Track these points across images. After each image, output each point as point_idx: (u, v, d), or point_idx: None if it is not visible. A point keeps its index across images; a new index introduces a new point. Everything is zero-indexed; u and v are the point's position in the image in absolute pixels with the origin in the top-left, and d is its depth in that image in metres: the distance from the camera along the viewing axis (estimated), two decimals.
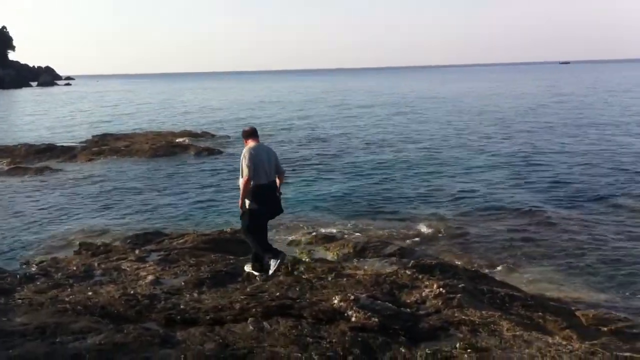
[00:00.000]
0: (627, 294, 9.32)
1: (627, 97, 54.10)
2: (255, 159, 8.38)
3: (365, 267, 9.88)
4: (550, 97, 58.54)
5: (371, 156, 24.10)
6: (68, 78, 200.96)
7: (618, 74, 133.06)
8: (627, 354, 6.01)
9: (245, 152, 8.45)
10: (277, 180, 8.82)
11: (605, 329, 7.70)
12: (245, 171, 8.34)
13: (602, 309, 8.54)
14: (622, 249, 11.30)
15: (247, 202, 8.49)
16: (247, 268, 8.94)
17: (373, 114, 44.46)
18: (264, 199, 8.50)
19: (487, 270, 10.16)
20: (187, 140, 28.43)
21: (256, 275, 8.68)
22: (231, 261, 9.29)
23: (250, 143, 8.65)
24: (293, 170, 21.09)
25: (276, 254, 8.76)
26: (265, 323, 6.51)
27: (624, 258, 10.82)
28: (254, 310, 6.91)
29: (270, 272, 8.62)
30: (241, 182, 8.45)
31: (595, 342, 6.87)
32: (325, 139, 30.22)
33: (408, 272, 8.82)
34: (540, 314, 7.66)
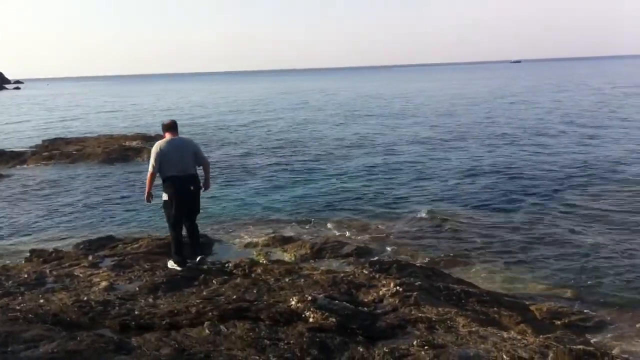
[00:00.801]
0: (579, 287, 9.48)
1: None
2: (161, 154, 8.73)
3: (323, 267, 9.90)
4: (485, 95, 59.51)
5: (327, 157, 24.13)
6: (17, 82, 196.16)
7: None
8: (580, 346, 6.12)
9: (153, 148, 8.89)
10: (205, 173, 9.34)
11: (559, 322, 7.85)
12: (149, 166, 8.79)
13: (555, 303, 8.68)
14: (573, 244, 11.51)
15: (164, 194, 8.89)
16: (170, 264, 9.11)
17: (325, 115, 44.49)
18: (174, 190, 8.83)
19: (443, 268, 10.23)
20: (139, 143, 28.00)
21: (179, 269, 8.94)
22: (187, 265, 9.17)
23: (167, 136, 9.01)
24: (248, 171, 21.04)
25: (182, 263, 9.03)
26: (222, 326, 6.46)
27: (575, 253, 11.03)
28: (210, 313, 6.86)
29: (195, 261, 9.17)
30: (148, 175, 8.88)
31: (549, 335, 7.00)
32: (280, 140, 30.16)
33: (365, 271, 8.88)
34: (495, 309, 7.77)
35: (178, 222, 9.13)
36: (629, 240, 11.53)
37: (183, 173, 8.84)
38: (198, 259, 9.28)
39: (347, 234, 12.71)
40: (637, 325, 7.93)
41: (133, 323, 6.69)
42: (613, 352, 6.88)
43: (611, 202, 14.54)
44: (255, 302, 7.27)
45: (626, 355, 6.95)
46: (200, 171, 9.36)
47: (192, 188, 9.01)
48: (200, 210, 9.70)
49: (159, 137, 30.78)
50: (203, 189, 9.38)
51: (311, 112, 48.82)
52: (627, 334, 7.72)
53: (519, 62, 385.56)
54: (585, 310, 8.46)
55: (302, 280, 8.40)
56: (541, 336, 6.75)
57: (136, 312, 7.02)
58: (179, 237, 9.17)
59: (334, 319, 6.55)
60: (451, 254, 11.26)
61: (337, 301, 7.16)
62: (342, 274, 8.72)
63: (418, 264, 9.89)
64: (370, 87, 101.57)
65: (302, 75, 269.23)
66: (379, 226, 13.30)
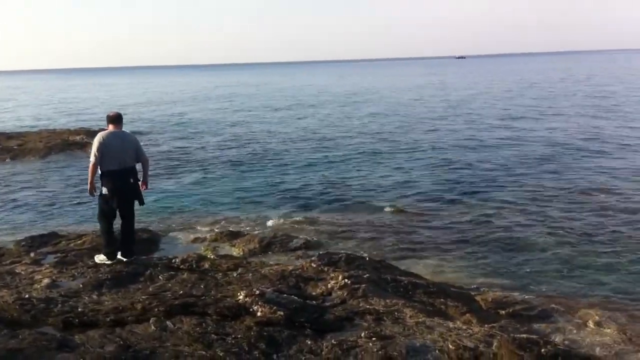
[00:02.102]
0: (523, 278, 9.70)
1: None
2: (103, 145, 8.56)
3: (272, 261, 9.87)
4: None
5: (275, 150, 24.08)
6: None
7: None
8: (524, 335, 6.24)
9: (95, 139, 8.70)
10: (143, 169, 9.15)
11: (503, 312, 8.00)
12: (91, 157, 8.61)
13: (500, 293, 8.85)
14: (518, 236, 11.75)
15: (103, 188, 8.70)
16: (98, 258, 9.00)
17: (268, 109, 44.38)
18: (114, 184, 8.66)
19: (391, 261, 10.31)
20: (83, 138, 27.37)
21: (108, 263, 8.86)
22: (132, 260, 9.01)
23: (111, 128, 8.86)
24: (194, 166, 20.84)
25: (112, 256, 8.95)
26: (168, 322, 6.37)
27: (519, 245, 11.27)
28: (156, 309, 6.74)
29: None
30: (89, 167, 8.69)
31: (494, 324, 7.13)
32: (225, 134, 29.98)
33: (314, 264, 8.87)
34: (441, 300, 7.88)
35: (113, 216, 8.95)
36: (570, 233, 11.82)
37: (123, 166, 8.67)
38: (131, 259, 9.09)
39: (297, 227, 12.69)
40: (579, 314, 8.12)
41: (76, 320, 6.53)
42: (555, 340, 7.06)
43: (553, 196, 14.89)
44: (203, 297, 7.19)
45: (568, 343, 7.13)
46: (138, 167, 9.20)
47: (131, 181, 8.85)
48: (145, 204, 9.54)
49: (102, 131, 30.41)
50: (142, 187, 9.20)
51: (254, 106, 48.59)
52: (568, 323, 7.91)
53: (463, 57, 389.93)
54: (529, 300, 8.63)
55: (250, 274, 8.35)
56: (486, 325, 6.87)
57: (79, 309, 6.85)
58: (111, 229, 8.98)
59: (282, 313, 6.52)
60: (400, 247, 11.36)
61: (285, 295, 7.14)
62: (290, 268, 8.69)
63: (367, 257, 9.92)
64: (311, 81, 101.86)
65: (242, 70, 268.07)
66: (329, 220, 13.32)
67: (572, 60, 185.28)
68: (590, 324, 7.80)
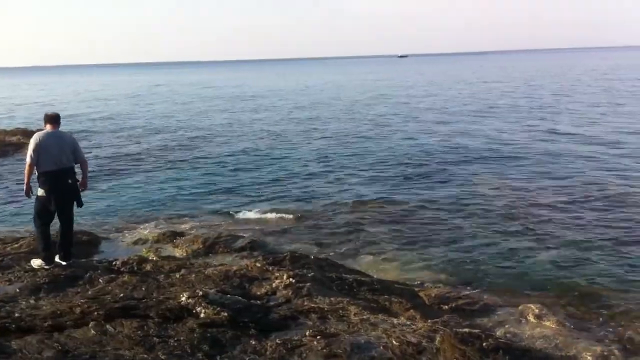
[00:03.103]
0: (466, 273, 9.86)
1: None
2: (40, 145, 8.33)
3: (215, 262, 9.76)
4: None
5: (215, 149, 23.92)
6: None
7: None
8: (466, 329, 6.32)
9: (31, 139, 8.47)
10: (82, 169, 8.93)
11: (446, 307, 8.12)
12: (27, 157, 8.37)
13: (443, 288, 8.97)
14: (461, 232, 11.95)
15: (39, 190, 8.48)
16: (35, 263, 8.76)
17: (208, 106, 44.00)
18: (51, 186, 8.45)
19: (336, 259, 10.33)
20: (20, 139, 26.54)
21: (45, 267, 8.60)
22: (71, 263, 8.77)
23: (48, 128, 8.65)
24: (135, 166, 20.50)
25: (49, 260, 8.70)
26: (108, 326, 6.21)
27: (462, 241, 11.45)
28: (96, 313, 6.56)
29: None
30: (25, 167, 8.44)
31: (437, 320, 7.22)
32: (166, 133, 29.65)
33: (258, 264, 8.82)
34: (386, 296, 7.94)
35: (50, 218, 8.70)
36: (511, 228, 12.09)
37: (60, 167, 8.42)
38: (69, 263, 8.84)
39: (241, 227, 12.60)
40: (519, 307, 8.29)
41: (13, 326, 6.29)
42: (497, 333, 7.19)
43: (493, 191, 15.20)
44: (144, 300, 7.04)
45: (509, 336, 7.27)
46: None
47: (69, 182, 8.60)
48: (84, 206, 9.29)
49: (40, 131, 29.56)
50: (81, 188, 8.96)
51: (193, 105, 48.06)
52: (509, 316, 8.07)
53: (405, 56, 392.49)
54: (471, 295, 8.78)
55: (194, 275, 8.22)
56: (429, 321, 6.95)
57: (16, 315, 6.61)
58: (48, 231, 8.72)
59: (225, 314, 6.44)
60: (344, 245, 11.41)
61: (229, 295, 7.06)
62: (235, 268, 8.60)
63: (311, 256, 9.91)
64: (242, 80, 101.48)
65: (184, 68, 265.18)
66: (274, 219, 13.27)
67: (505, 60, 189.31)
68: (531, 318, 7.98)
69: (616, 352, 6.97)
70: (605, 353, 6.91)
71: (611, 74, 72.32)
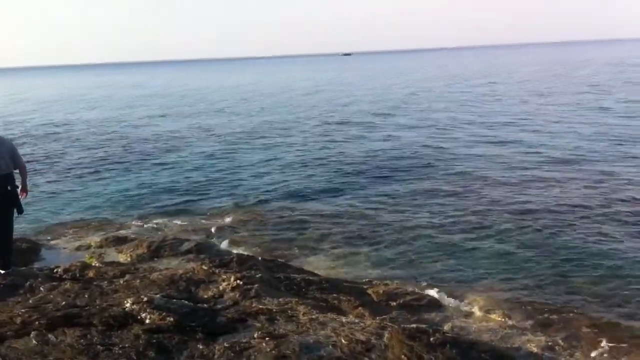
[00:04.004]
0: (413, 269, 9.97)
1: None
2: None
3: (161, 266, 9.59)
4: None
5: (162, 150, 23.60)
6: None
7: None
8: (414, 325, 6.35)
9: None
10: (22, 177, 8.68)
11: (395, 303, 8.18)
12: None
13: (391, 284, 9.03)
14: (406, 228, 12.05)
15: None
16: None
17: (146, 111, 43.35)
18: None
19: (284, 259, 10.31)
20: None
21: None
22: (10, 272, 8.49)
23: None
24: (75, 170, 20.03)
25: (4, 266, 8.46)
26: (50, 335, 6.02)
27: (408, 236, 11.55)
28: (37, 323, 6.35)
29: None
30: None
31: (385, 316, 7.27)
32: (104, 136, 29.09)
33: (205, 267, 8.70)
34: (334, 295, 7.95)
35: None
36: (456, 223, 12.26)
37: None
38: (8, 271, 8.54)
39: (187, 230, 12.44)
40: (466, 301, 8.44)
41: None
42: (444, 328, 7.28)
43: (439, 188, 15.38)
44: (87, 307, 6.85)
45: (456, 330, 7.38)
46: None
47: (9, 188, 8.32)
48: (24, 212, 9.00)
49: None
50: (22, 194, 8.68)
51: (129, 108, 47.20)
52: (457, 310, 8.23)
53: (349, 54, 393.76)
54: (418, 290, 8.88)
55: (138, 281, 8.05)
56: (377, 318, 6.98)
57: None
58: None
59: (171, 319, 6.31)
60: (293, 244, 11.38)
61: (175, 300, 6.92)
62: (181, 272, 8.46)
63: (259, 257, 9.85)
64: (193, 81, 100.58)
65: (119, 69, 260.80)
66: (220, 220, 13.15)
67: (446, 57, 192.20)
68: (477, 311, 8.12)
69: (560, 342, 7.16)
70: (550, 343, 7.09)
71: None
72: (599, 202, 13.16)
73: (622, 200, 13.12)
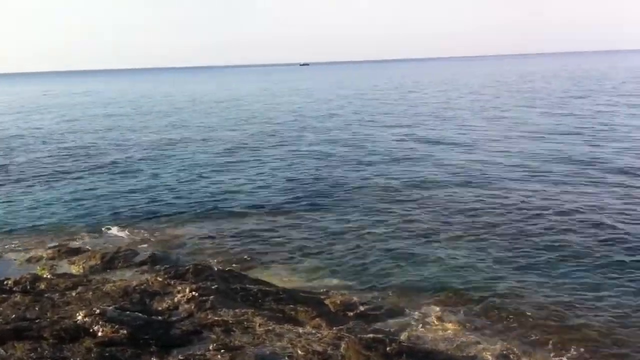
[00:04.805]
0: (370, 279, 9.95)
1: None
2: None
3: (115, 278, 9.41)
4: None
5: (116, 159, 23.18)
6: None
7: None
8: (371, 335, 6.37)
9: None
10: None
11: (352, 313, 8.17)
12: None
13: (349, 295, 9.01)
14: (364, 240, 12.05)
15: None
16: None
17: (95, 119, 42.65)
18: None
19: (241, 270, 10.19)
20: None
21: None
22: None
23: None
24: (27, 179, 19.51)
25: None
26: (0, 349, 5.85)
27: (364, 246, 11.56)
28: None
29: None
30: None
31: (342, 327, 7.25)
32: (54, 146, 28.39)
33: (160, 278, 8.58)
34: (291, 306, 7.90)
35: None
36: (412, 233, 12.31)
37: None
38: None
39: (142, 240, 12.22)
40: (422, 310, 8.48)
41: None
42: (401, 337, 7.30)
43: (395, 197, 15.44)
44: (38, 320, 6.69)
45: (413, 339, 7.40)
46: None
47: None
48: None
49: None
50: None
51: (81, 116, 46.36)
52: (413, 319, 8.24)
53: (307, 64, 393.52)
54: (376, 300, 8.88)
55: (91, 293, 7.90)
56: (334, 328, 6.97)
57: None
58: None
59: (125, 331, 6.21)
60: (250, 255, 11.27)
61: (128, 312, 6.81)
62: (135, 283, 8.32)
63: (215, 267, 9.74)
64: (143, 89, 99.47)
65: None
66: (176, 230, 12.96)
67: (389, 68, 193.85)
68: (434, 320, 8.17)
69: (515, 349, 7.25)
70: (504, 352, 7.17)
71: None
72: (554, 209, 13.41)
73: (578, 211, 13.34)
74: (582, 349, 7.29)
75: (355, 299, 8.78)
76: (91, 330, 6.35)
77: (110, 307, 6.93)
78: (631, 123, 27.80)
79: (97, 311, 6.70)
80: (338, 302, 8.51)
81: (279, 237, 12.37)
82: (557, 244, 11.24)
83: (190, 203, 15.61)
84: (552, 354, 7.20)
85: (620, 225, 12.15)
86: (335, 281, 9.95)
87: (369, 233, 12.41)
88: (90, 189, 17.64)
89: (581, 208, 13.53)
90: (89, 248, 11.52)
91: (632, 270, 9.84)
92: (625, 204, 13.73)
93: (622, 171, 17.20)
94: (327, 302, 8.52)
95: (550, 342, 7.49)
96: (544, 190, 15.36)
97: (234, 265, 10.62)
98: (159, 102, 62.02)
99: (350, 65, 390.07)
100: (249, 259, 11.12)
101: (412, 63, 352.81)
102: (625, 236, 11.52)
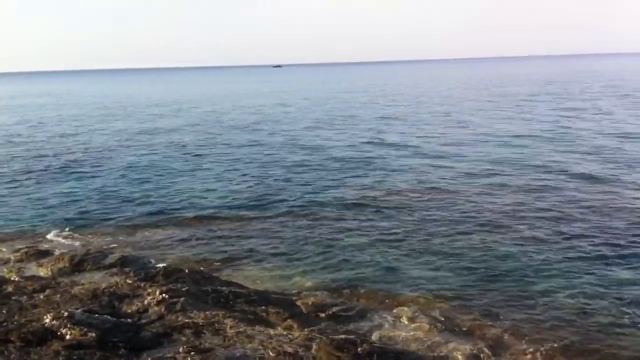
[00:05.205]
0: (342, 280, 9.94)
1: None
2: None
3: (83, 280, 9.28)
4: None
5: (85, 160, 22.92)
6: None
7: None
8: (342, 336, 6.38)
9: None
10: None
11: (324, 314, 8.15)
12: None
13: (320, 296, 8.99)
14: (336, 241, 12.04)
15: None
16: None
17: (63, 117, 42.10)
18: None
19: (213, 272, 10.12)
20: None
21: None
22: None
23: None
24: None
25: None
26: None
27: (336, 247, 11.56)
28: None
29: None
30: None
31: (313, 328, 7.23)
32: (26, 146, 27.94)
33: (129, 280, 8.49)
34: (263, 307, 7.87)
35: None
36: (384, 235, 12.33)
37: None
38: None
39: (112, 243, 12.07)
40: (394, 311, 8.50)
41: None
42: (372, 338, 7.31)
43: (366, 199, 15.46)
44: (4, 323, 6.58)
45: (384, 339, 7.42)
46: None
47: None
48: None
49: None
50: None
51: (45, 117, 45.68)
52: (385, 320, 8.25)
53: (279, 66, 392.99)
54: (347, 301, 8.88)
55: (59, 295, 7.79)
56: (306, 329, 6.95)
57: None
58: None
59: (93, 334, 6.13)
60: (221, 257, 11.20)
61: (97, 315, 6.73)
62: (104, 286, 8.23)
63: (186, 269, 9.65)
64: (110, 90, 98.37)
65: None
66: (147, 232, 12.82)
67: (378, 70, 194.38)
68: (405, 320, 8.19)
69: (485, 349, 7.30)
70: (474, 352, 7.22)
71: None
72: (522, 213, 13.55)
73: (545, 217, 13.47)
74: (552, 348, 7.36)
75: (327, 300, 8.77)
76: (59, 333, 6.27)
77: (79, 310, 6.84)
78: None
79: (65, 314, 6.62)
80: (310, 303, 8.49)
81: (250, 239, 12.31)
82: (525, 246, 11.34)
83: (161, 205, 15.45)
84: (522, 354, 7.27)
85: (583, 225, 12.34)
86: (307, 283, 9.92)
87: (340, 235, 12.40)
88: (59, 191, 17.36)
89: (544, 209, 13.73)
90: (58, 250, 11.34)
91: (598, 270, 9.98)
92: (582, 207, 13.93)
93: (582, 176, 17.35)
94: (299, 303, 8.49)
95: (522, 341, 7.57)
96: (513, 194, 15.51)
97: (205, 267, 10.54)
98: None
99: (323, 67, 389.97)
100: (220, 261, 11.04)
101: (390, 65, 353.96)
102: (589, 234, 11.73)
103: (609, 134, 25.55)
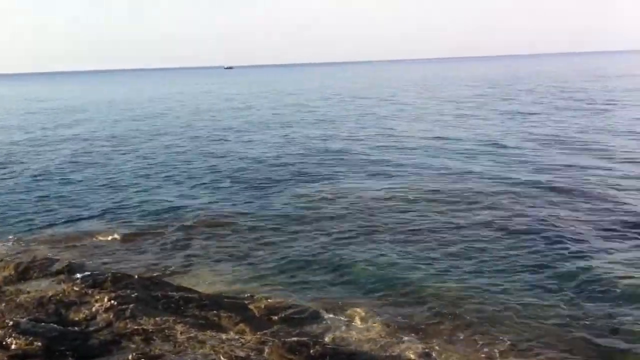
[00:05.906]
0: (295, 282, 9.94)
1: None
2: None
3: (29, 288, 9.02)
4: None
5: (28, 164, 22.38)
6: None
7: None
8: (295, 338, 6.37)
9: None
10: None
11: (276, 317, 8.15)
12: None
13: (273, 299, 8.97)
14: (287, 242, 12.04)
15: None
16: None
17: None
18: None
19: (163, 277, 10.00)
20: None
21: None
22: None
23: None
24: None
25: None
26: None
27: (288, 251, 11.54)
28: None
29: None
30: None
31: (266, 331, 7.21)
32: None
33: (77, 288, 8.32)
34: (215, 312, 7.82)
35: None
36: (338, 236, 12.36)
37: None
38: None
39: (59, 249, 11.80)
40: (347, 312, 8.53)
41: None
42: (325, 340, 7.33)
43: (316, 205, 15.42)
44: None
45: (337, 341, 7.45)
46: None
47: None
48: None
49: None
50: None
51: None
52: (337, 322, 8.28)
53: (231, 68, 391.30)
54: (300, 303, 8.87)
55: (4, 304, 7.59)
56: (258, 333, 6.93)
57: None
58: None
59: (39, 343, 5.98)
60: (171, 262, 11.07)
61: (43, 323, 6.57)
62: (50, 294, 8.03)
63: (135, 275, 9.49)
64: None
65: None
66: (95, 238, 12.59)
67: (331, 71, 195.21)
68: (358, 321, 8.24)
69: (437, 347, 7.41)
70: (426, 350, 7.32)
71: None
72: (477, 213, 13.76)
73: (506, 217, 13.66)
74: (506, 346, 7.49)
75: (280, 303, 8.75)
76: (4, 343, 6.09)
77: (24, 319, 6.67)
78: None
79: (10, 323, 6.43)
80: (262, 306, 8.47)
81: (202, 243, 12.20)
82: (480, 244, 11.50)
83: (110, 210, 15.19)
84: (476, 351, 7.38)
85: (543, 227, 12.55)
86: (260, 286, 9.87)
87: (292, 237, 12.39)
88: (4, 196, 16.91)
89: (501, 209, 13.97)
90: (2, 258, 11.03)
91: (555, 269, 10.16)
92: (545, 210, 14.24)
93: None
94: (251, 307, 8.46)
95: (474, 339, 7.70)
96: (469, 188, 15.76)
97: (155, 273, 10.39)
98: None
99: (274, 68, 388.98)
100: (171, 266, 10.90)
101: (346, 66, 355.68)
102: (548, 237, 11.92)
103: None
